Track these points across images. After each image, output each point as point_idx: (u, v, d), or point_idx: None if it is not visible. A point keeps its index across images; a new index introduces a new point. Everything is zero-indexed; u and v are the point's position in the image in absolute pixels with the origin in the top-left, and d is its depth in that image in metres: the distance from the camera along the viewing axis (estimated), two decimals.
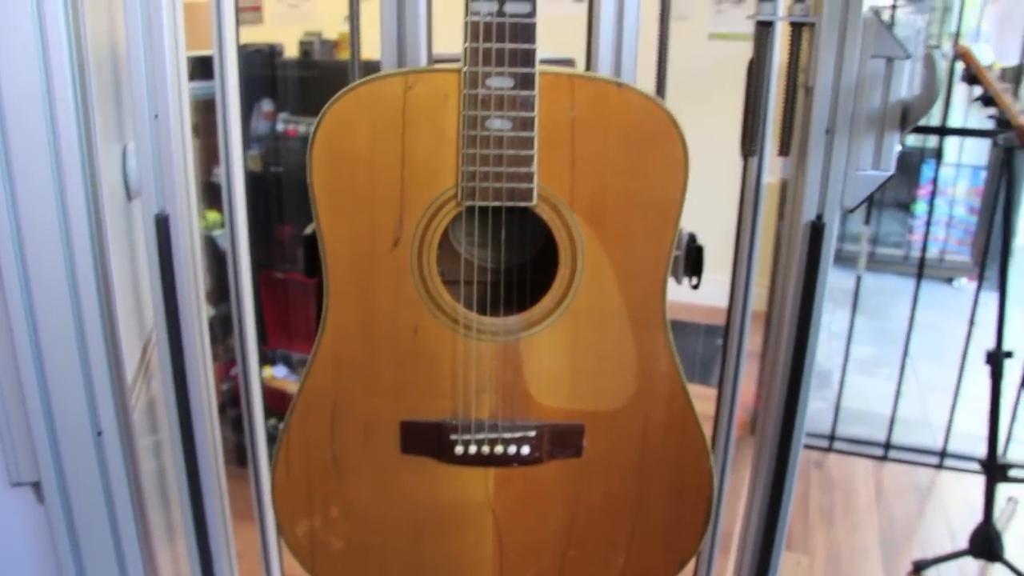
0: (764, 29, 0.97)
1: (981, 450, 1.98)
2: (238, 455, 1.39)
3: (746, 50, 1.03)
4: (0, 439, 1.02)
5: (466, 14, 0.75)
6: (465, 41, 0.76)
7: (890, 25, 0.96)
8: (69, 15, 0.88)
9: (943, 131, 2.37)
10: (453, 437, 0.89)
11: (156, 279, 1.00)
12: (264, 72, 2.59)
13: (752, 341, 1.20)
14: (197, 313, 1.05)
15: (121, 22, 0.95)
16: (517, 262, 0.93)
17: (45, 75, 0.88)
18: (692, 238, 1.00)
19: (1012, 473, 1.95)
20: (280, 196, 2.52)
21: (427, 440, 0.89)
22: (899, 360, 2.62)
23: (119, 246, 1.12)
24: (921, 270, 2.56)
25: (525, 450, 0.89)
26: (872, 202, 3.09)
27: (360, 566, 0.95)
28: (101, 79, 1.04)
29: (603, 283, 0.84)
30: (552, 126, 0.78)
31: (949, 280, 4.45)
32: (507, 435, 0.89)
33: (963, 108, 4.06)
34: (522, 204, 0.80)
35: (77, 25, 0.90)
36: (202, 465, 1.11)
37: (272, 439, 1.34)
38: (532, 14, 0.75)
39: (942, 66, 0.92)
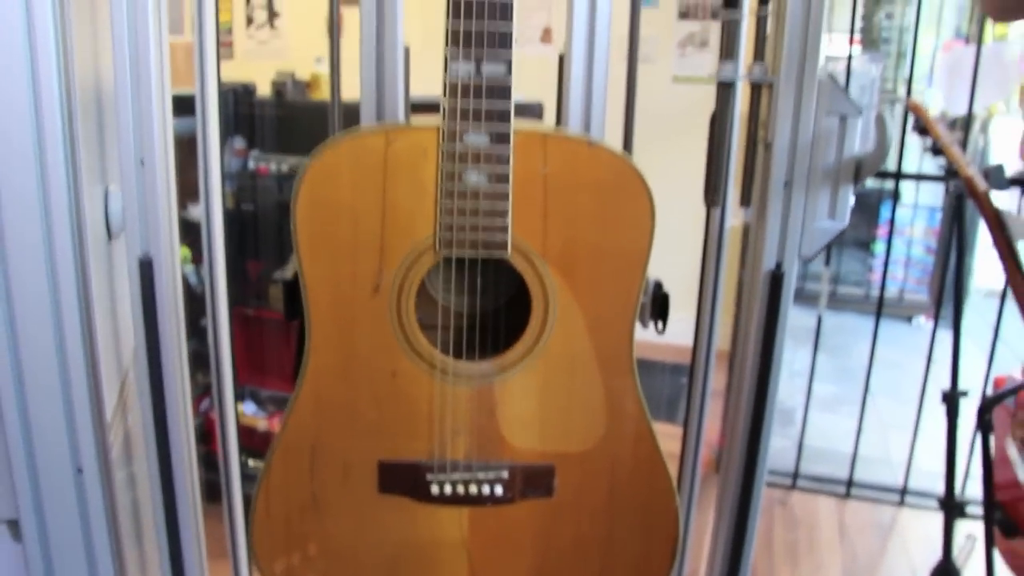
0: (725, 88, 1.03)
1: (941, 487, 2.04)
2: (208, 491, 1.40)
3: (710, 93, 1.08)
4: None
5: (445, 72, 0.79)
6: (443, 98, 0.80)
7: (845, 82, 1.02)
8: (60, 54, 0.91)
9: (898, 176, 2.45)
10: (429, 477, 0.92)
11: (139, 320, 1.03)
12: (236, 110, 2.62)
13: (718, 380, 1.24)
14: (178, 355, 1.07)
15: (104, 63, 0.98)
16: (492, 307, 0.97)
17: (35, 115, 0.91)
18: (658, 285, 1.04)
19: (969, 510, 2.00)
20: (251, 233, 2.55)
21: (404, 480, 0.92)
22: (859, 397, 2.67)
23: (99, 284, 1.14)
24: (880, 308, 2.63)
25: (498, 490, 0.92)
26: (831, 242, 3.16)
27: None
28: (85, 119, 1.07)
29: (573, 330, 0.88)
30: (526, 181, 0.82)
31: (908, 319, 4.54)
32: (481, 475, 0.92)
33: (919, 151, 4.18)
34: (497, 255, 0.84)
35: (67, 64, 0.94)
36: (180, 504, 1.13)
37: (243, 476, 1.36)
38: (508, 75, 0.79)
39: (892, 126, 0.98)
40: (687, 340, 1.22)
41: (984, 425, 1.71)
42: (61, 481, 1.03)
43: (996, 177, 1.64)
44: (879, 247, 4.68)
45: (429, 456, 0.92)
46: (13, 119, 0.90)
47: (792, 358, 3.29)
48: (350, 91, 1.14)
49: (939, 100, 3.16)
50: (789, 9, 0.95)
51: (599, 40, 1.00)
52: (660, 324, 1.05)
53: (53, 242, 0.95)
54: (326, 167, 0.83)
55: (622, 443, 0.92)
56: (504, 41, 0.78)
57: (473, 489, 0.92)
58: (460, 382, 0.90)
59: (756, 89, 1.03)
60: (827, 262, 2.70)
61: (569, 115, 1.02)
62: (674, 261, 1.15)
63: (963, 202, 1.87)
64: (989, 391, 1.99)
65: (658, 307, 1.04)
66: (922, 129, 1.59)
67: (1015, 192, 2.40)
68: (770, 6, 1.01)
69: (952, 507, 2.01)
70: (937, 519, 2.09)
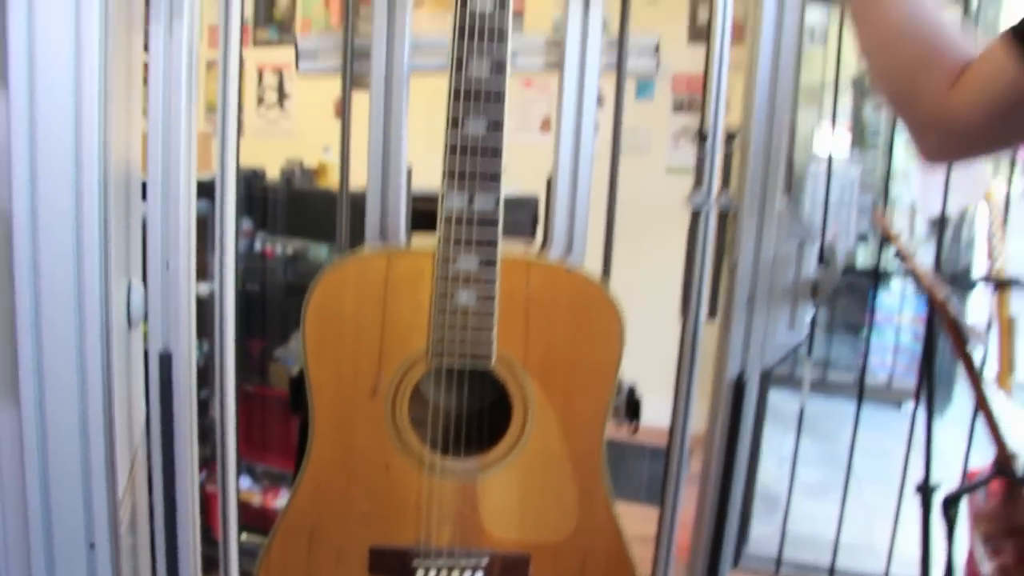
0: (696, 216, 1.14)
1: None
2: (204, 565, 1.48)
3: None
4: None
5: (440, 206, 0.90)
6: (439, 226, 0.91)
7: (827, 181, 1.13)
8: (102, 148, 1.01)
9: (876, 275, 2.57)
10: (415, 563, 1.01)
11: (155, 407, 1.12)
12: (246, 193, 2.74)
13: (696, 464, 1.33)
14: (190, 440, 1.16)
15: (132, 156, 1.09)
16: (477, 408, 1.07)
17: (76, 210, 1.02)
18: (632, 390, 1.14)
19: None
20: (254, 312, 2.65)
21: (392, 565, 1.01)
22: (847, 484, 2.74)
23: (118, 370, 1.24)
24: (861, 392, 2.71)
25: None
26: (814, 325, 3.27)
27: None
28: (115, 212, 1.18)
29: (549, 433, 0.98)
30: (510, 301, 0.93)
31: (898, 404, 4.61)
32: (463, 562, 1.01)
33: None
34: (482, 366, 0.94)
35: (107, 159, 1.04)
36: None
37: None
38: (496, 208, 0.90)
39: (841, 256, 1.09)
40: (668, 423, 1.31)
41: (949, 520, 1.79)
42: (74, 554, 1.12)
43: (963, 280, 1.76)
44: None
45: (416, 543, 1.00)
46: (56, 215, 1.00)
47: (780, 443, 3.35)
48: (356, 178, 1.24)
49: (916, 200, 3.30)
50: (752, 147, 1.07)
51: (582, 168, 1.12)
52: (633, 424, 1.15)
53: (84, 335, 1.05)
54: (334, 283, 0.94)
55: (592, 536, 1.01)
56: (494, 178, 0.89)
57: (455, 575, 1.01)
58: (447, 476, 0.99)
59: (723, 216, 1.14)
60: (809, 351, 2.80)
61: (555, 235, 1.13)
62: (669, 341, 1.24)
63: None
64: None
65: (631, 409, 1.14)
66: (889, 240, 1.71)
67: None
68: (736, 142, 1.13)
69: None
70: None
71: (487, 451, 1.00)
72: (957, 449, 2.16)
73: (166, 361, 1.10)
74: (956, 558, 1.80)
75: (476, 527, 1.00)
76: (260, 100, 4.58)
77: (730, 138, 1.14)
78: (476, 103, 0.87)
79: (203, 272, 1.34)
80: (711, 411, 1.16)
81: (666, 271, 1.57)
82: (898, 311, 4.74)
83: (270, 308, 2.73)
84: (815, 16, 4.95)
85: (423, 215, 1.10)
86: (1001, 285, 2.13)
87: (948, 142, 0.95)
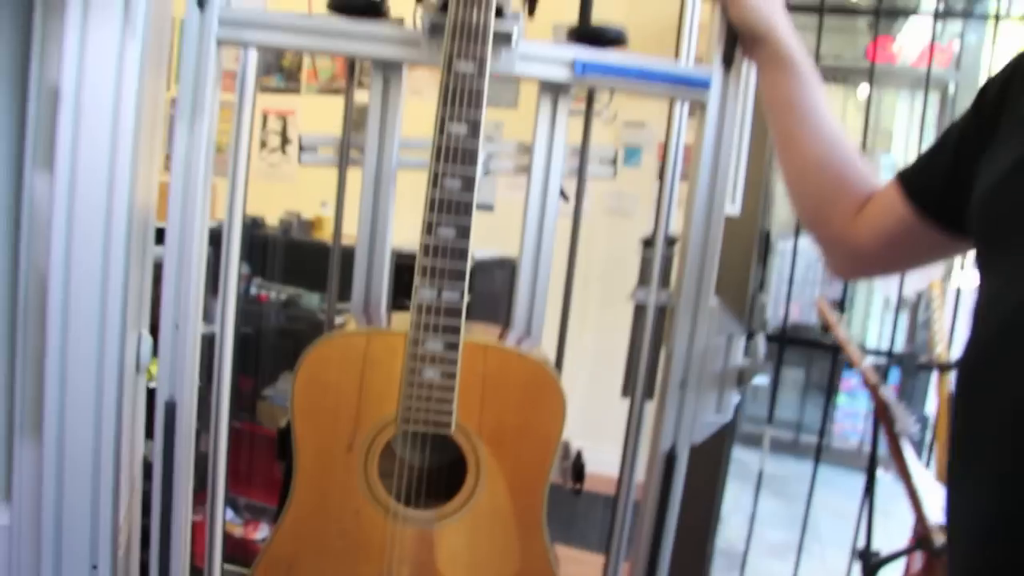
0: (638, 311, 1.32)
1: None
2: None
3: None
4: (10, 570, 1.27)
5: (414, 297, 1.07)
6: (411, 312, 1.08)
7: (792, 260, 1.29)
8: (129, 221, 1.19)
9: (835, 351, 2.73)
10: None
11: (158, 450, 1.28)
12: (245, 238, 2.91)
13: None
14: (187, 476, 1.32)
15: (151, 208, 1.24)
16: (437, 466, 1.23)
17: (103, 279, 1.19)
18: (579, 455, 1.31)
19: None
20: (247, 353, 2.81)
21: None
22: (809, 546, 2.86)
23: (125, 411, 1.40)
24: (818, 454, 2.86)
25: None
26: (776, 386, 3.43)
27: None
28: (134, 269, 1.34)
29: (498, 491, 1.14)
30: (469, 377, 1.10)
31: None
32: None
33: (879, 315, 4.49)
34: (443, 432, 1.11)
35: (132, 226, 1.21)
36: None
37: None
38: (461, 299, 1.07)
39: (763, 346, 1.26)
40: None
41: None
42: (78, 575, 1.27)
43: (909, 363, 1.93)
44: (841, 399, 4.93)
45: None
46: (85, 279, 1.17)
47: (749, 502, 3.49)
48: (348, 230, 1.40)
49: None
50: (689, 254, 1.24)
51: (543, 263, 1.30)
52: (578, 484, 1.31)
53: (102, 382, 1.21)
54: (321, 355, 1.11)
55: None
56: (459, 276, 1.07)
57: None
58: (408, 524, 1.15)
59: (661, 310, 1.31)
60: (769, 419, 2.95)
61: (516, 319, 1.30)
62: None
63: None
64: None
65: (577, 472, 1.30)
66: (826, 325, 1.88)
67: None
68: (676, 248, 1.31)
69: None
70: None
71: (444, 504, 1.16)
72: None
73: (171, 409, 1.26)
74: None
75: (431, 569, 1.16)
76: (263, 144, 4.75)
77: (671, 243, 1.32)
78: (447, 214, 1.05)
79: (204, 313, 1.50)
80: (646, 479, 1.32)
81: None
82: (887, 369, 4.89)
83: (262, 349, 2.89)
84: None
85: (406, 269, 1.25)
86: (942, 369, 2.29)
87: (851, 261, 1.11)
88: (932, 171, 0.97)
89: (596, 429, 2.58)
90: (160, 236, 1.31)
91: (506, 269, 2.79)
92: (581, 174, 1.33)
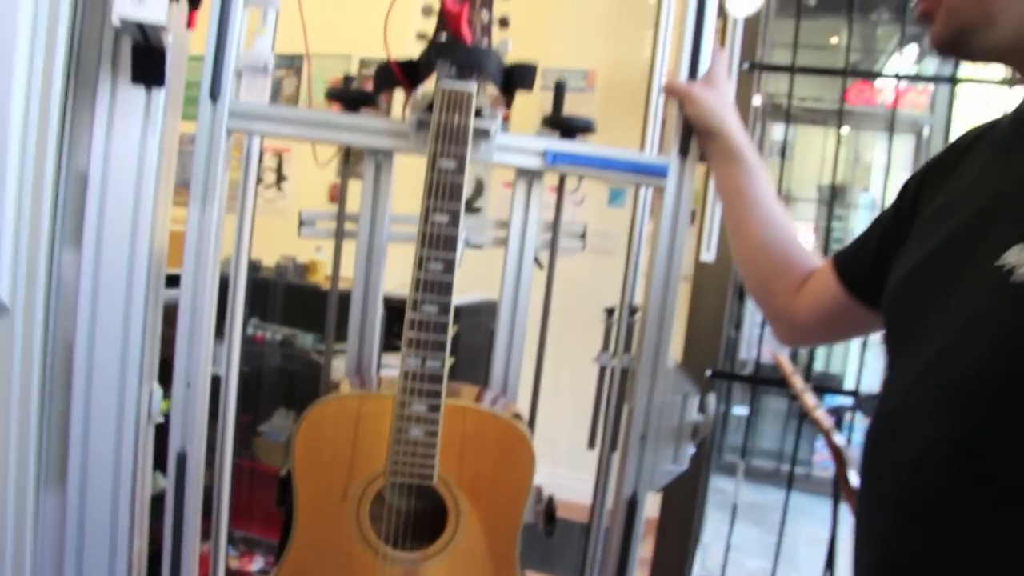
0: (602, 372, 1.46)
1: None
2: None
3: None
4: None
5: (401, 365, 1.22)
6: (399, 378, 1.22)
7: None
8: (148, 289, 1.33)
9: (794, 397, 2.87)
10: None
11: (170, 497, 1.42)
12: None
13: (646, 546, 1.61)
14: (195, 515, 1.45)
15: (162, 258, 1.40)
16: (421, 513, 1.37)
17: (124, 343, 1.33)
18: (551, 500, 1.45)
19: None
20: (245, 391, 2.94)
21: None
22: (787, 574, 2.99)
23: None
24: (790, 484, 2.99)
25: None
26: (750, 424, 3.58)
27: None
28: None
29: (476, 535, 1.28)
30: (450, 435, 1.24)
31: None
32: None
33: (856, 350, 4.64)
34: (427, 483, 1.25)
35: (149, 294, 1.35)
36: None
37: None
38: (442, 367, 1.22)
39: (714, 405, 1.41)
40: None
41: None
42: None
43: (867, 406, 2.07)
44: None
45: None
46: (108, 344, 1.31)
47: (731, 532, 3.62)
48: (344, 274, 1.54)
49: None
50: (648, 319, 1.39)
51: (517, 329, 1.44)
52: (549, 527, 1.46)
53: (121, 434, 1.35)
54: (319, 414, 1.26)
55: None
56: (441, 347, 1.21)
57: None
58: (396, 564, 1.29)
59: (624, 373, 1.46)
60: (743, 454, 3.09)
61: (494, 380, 1.45)
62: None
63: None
64: None
65: (549, 516, 1.44)
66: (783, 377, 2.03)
67: None
68: (637, 316, 1.46)
69: None
70: None
71: (427, 546, 1.30)
72: None
73: (182, 459, 1.40)
74: None
75: None
76: (259, 180, 4.88)
77: (633, 311, 1.47)
78: (431, 293, 1.20)
79: None
80: (611, 521, 1.46)
81: None
82: (850, 410, 5.04)
83: (258, 388, 3.02)
84: (779, 133, 5.37)
85: (396, 313, 1.39)
86: None
87: (793, 332, 1.26)
88: (861, 256, 1.10)
89: (578, 459, 2.73)
90: (169, 279, 1.44)
91: (492, 313, 2.92)
92: (553, 249, 1.48)
